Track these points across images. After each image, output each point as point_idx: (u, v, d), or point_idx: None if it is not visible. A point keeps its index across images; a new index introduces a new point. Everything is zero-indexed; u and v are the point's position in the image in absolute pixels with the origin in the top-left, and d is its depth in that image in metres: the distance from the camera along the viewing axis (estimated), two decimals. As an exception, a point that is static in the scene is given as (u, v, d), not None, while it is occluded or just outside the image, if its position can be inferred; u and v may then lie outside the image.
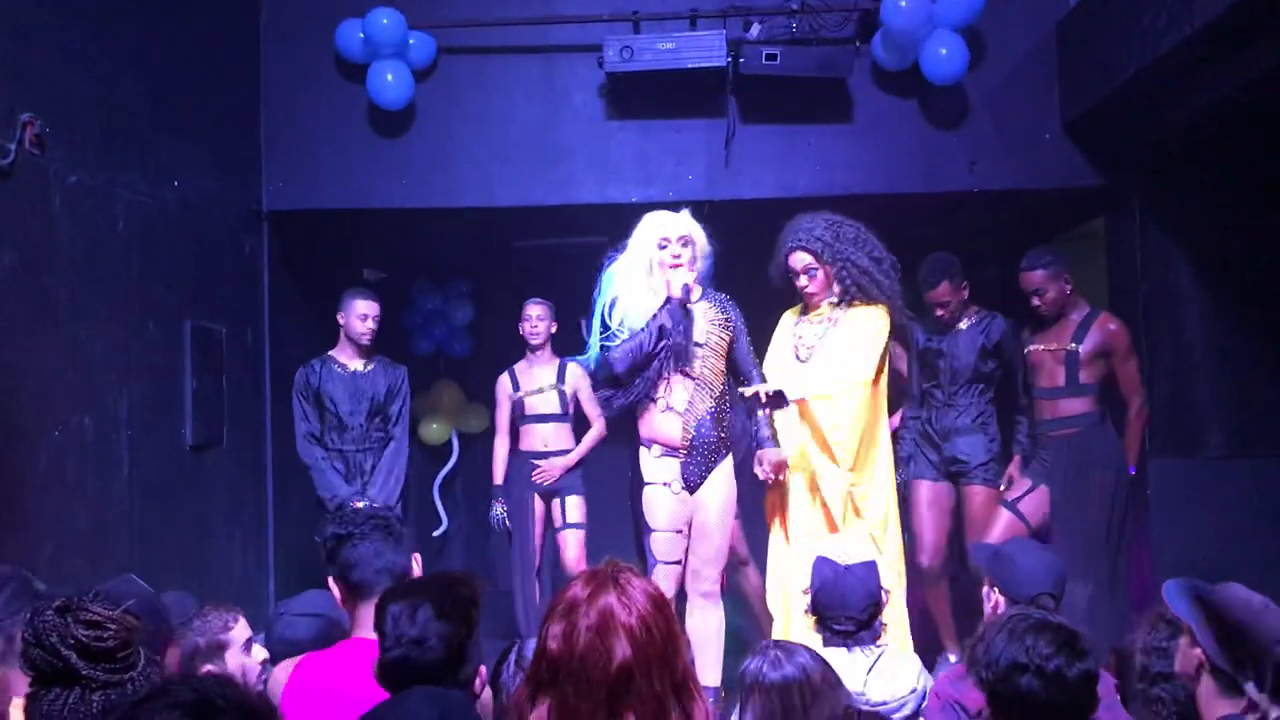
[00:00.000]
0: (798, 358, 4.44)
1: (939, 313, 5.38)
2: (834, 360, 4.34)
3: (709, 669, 4.40)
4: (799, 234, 4.45)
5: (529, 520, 5.91)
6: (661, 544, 4.27)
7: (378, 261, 7.66)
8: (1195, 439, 5.44)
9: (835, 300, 4.45)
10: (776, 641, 2.88)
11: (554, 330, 6.03)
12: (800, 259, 4.43)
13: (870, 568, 3.34)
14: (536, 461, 5.95)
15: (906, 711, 3.11)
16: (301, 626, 3.14)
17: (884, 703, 3.07)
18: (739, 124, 5.76)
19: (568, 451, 6.00)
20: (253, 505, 5.73)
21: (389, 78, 5.60)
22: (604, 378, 4.40)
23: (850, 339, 4.36)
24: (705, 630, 4.40)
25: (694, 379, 4.31)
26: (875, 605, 3.30)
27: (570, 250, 7.20)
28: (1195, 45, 4.37)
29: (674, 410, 4.30)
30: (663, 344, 4.22)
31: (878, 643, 3.29)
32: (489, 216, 6.15)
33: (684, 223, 4.37)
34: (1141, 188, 5.64)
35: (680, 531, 4.31)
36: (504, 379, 6.11)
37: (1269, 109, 4.77)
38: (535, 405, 5.99)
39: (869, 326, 4.37)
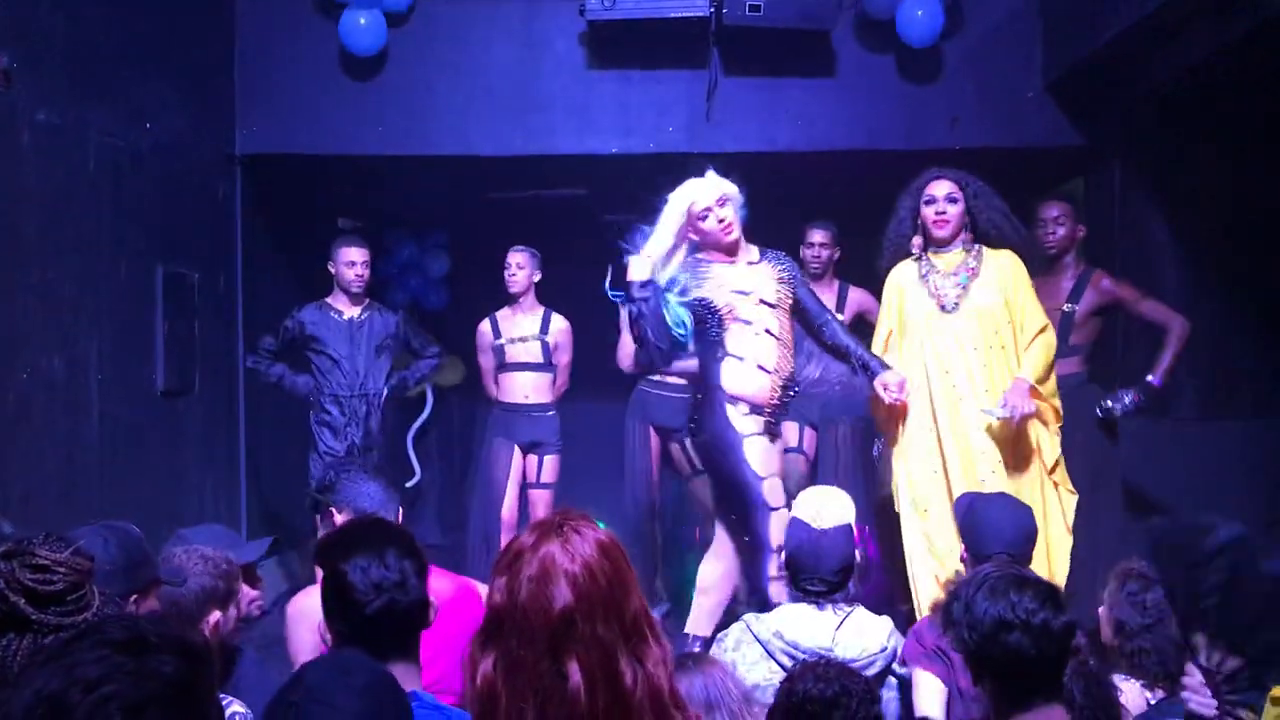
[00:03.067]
0: (943, 308, 4.28)
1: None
2: (984, 313, 4.22)
3: (705, 620, 4.42)
4: (940, 169, 4.36)
5: (500, 470, 5.89)
6: (773, 490, 4.23)
7: (353, 210, 7.59)
8: (1167, 401, 5.47)
9: (965, 247, 4.32)
10: (690, 654, 2.96)
11: (537, 279, 5.95)
12: (942, 186, 4.30)
13: (844, 531, 3.34)
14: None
15: (875, 669, 3.13)
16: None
17: (853, 659, 3.09)
18: (721, 76, 5.71)
19: (548, 405, 5.98)
20: (224, 452, 5.69)
21: (361, 22, 5.50)
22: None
23: (1003, 285, 4.25)
24: (717, 579, 4.45)
25: (777, 339, 4.30)
26: (848, 568, 3.30)
27: (548, 201, 7.17)
28: (1179, 5, 4.35)
29: (765, 370, 4.27)
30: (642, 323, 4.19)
31: (850, 603, 3.31)
32: (466, 165, 6.09)
33: (715, 184, 4.27)
34: (1122, 148, 5.65)
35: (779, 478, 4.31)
36: (484, 325, 6.03)
37: (1250, 71, 4.76)
38: (516, 354, 5.94)
39: (1017, 270, 4.27)
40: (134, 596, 2.30)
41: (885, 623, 3.37)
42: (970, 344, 4.20)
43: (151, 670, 1.22)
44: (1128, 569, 2.85)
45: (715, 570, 4.45)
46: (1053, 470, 4.22)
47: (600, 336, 6.03)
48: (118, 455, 4.55)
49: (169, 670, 1.22)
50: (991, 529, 3.14)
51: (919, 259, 4.39)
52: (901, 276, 4.43)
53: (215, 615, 2.68)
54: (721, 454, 4.24)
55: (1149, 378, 4.89)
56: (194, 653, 1.28)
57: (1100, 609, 2.98)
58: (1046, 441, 4.23)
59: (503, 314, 5.99)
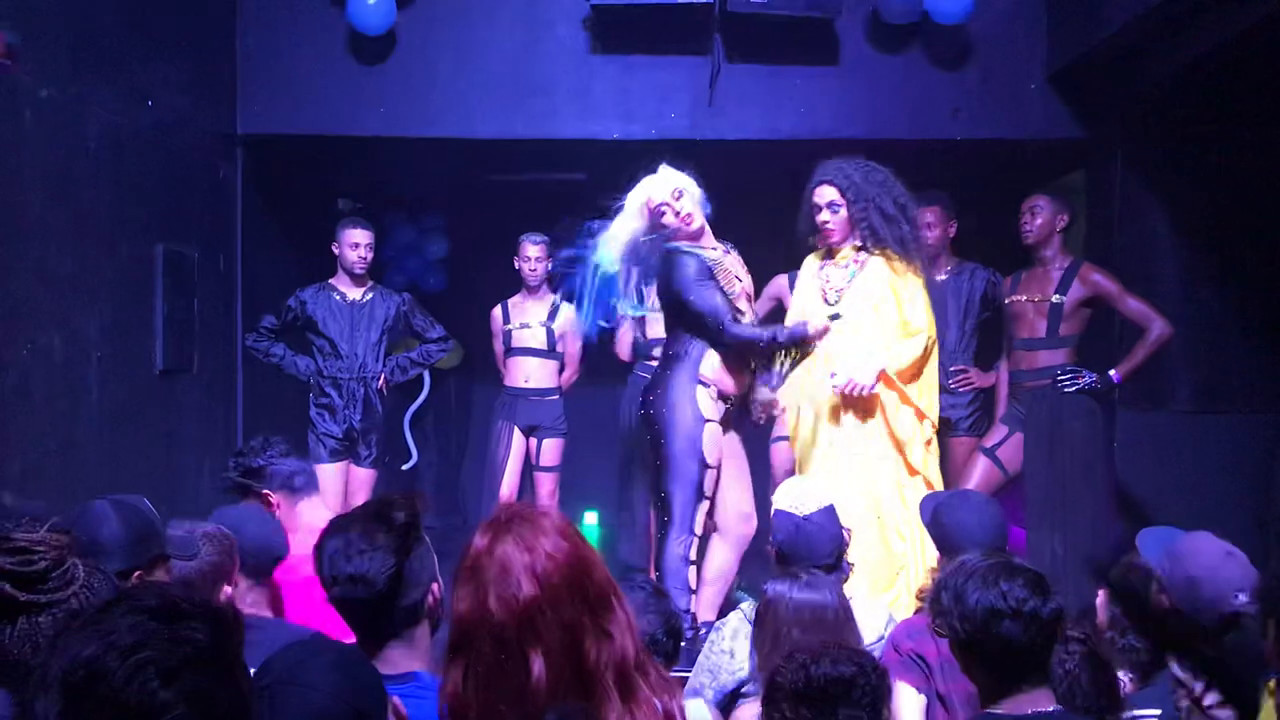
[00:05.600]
0: (826, 301, 4.42)
1: (923, 236, 5.43)
2: (866, 306, 4.31)
3: (709, 606, 4.44)
4: (829, 170, 4.41)
5: (502, 452, 5.92)
6: (712, 480, 4.28)
7: (352, 191, 7.58)
8: (1164, 393, 5.49)
9: (858, 245, 4.41)
10: (805, 570, 3.00)
11: (551, 267, 6.00)
12: (825, 193, 4.39)
13: (829, 512, 3.37)
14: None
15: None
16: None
17: (851, 646, 3.11)
18: (724, 63, 5.69)
19: (550, 390, 5.99)
20: (222, 432, 5.69)
21: (370, 0, 5.48)
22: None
23: (888, 279, 4.33)
24: (727, 567, 4.48)
25: None
26: (840, 548, 3.33)
27: (548, 186, 7.16)
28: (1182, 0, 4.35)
29: (742, 360, 4.34)
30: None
31: (844, 584, 3.33)
32: (467, 148, 6.08)
33: (666, 178, 4.29)
34: (1123, 142, 5.65)
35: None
36: (496, 311, 6.12)
37: (1252, 67, 4.77)
38: (522, 339, 5.99)
39: (897, 268, 4.36)
40: (137, 573, 2.30)
41: (883, 612, 3.40)
42: (847, 336, 4.30)
43: (185, 636, 1.24)
44: (1131, 564, 2.85)
45: (722, 557, 4.47)
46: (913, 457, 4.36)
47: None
48: (116, 433, 4.55)
49: (201, 636, 1.24)
50: (963, 530, 3.12)
51: (821, 252, 4.53)
52: (806, 270, 4.58)
53: (227, 589, 2.72)
54: (675, 432, 4.23)
55: (1112, 371, 4.95)
56: (224, 619, 1.30)
57: (1100, 593, 2.99)
58: (906, 429, 4.33)
59: (514, 300, 6.06)
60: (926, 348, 4.33)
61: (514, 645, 1.66)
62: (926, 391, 4.40)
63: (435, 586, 2.12)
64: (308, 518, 3.60)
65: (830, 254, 4.49)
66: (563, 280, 4.49)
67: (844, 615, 2.82)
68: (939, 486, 4.42)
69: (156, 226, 4.93)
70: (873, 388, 4.23)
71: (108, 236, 4.55)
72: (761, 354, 4.25)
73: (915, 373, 4.34)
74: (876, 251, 4.38)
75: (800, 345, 4.20)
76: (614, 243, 4.30)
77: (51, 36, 4.15)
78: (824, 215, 4.39)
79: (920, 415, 4.37)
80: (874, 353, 4.26)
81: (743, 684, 3.12)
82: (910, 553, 4.24)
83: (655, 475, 4.36)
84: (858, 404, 4.31)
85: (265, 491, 3.54)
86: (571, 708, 1.64)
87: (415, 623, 2.08)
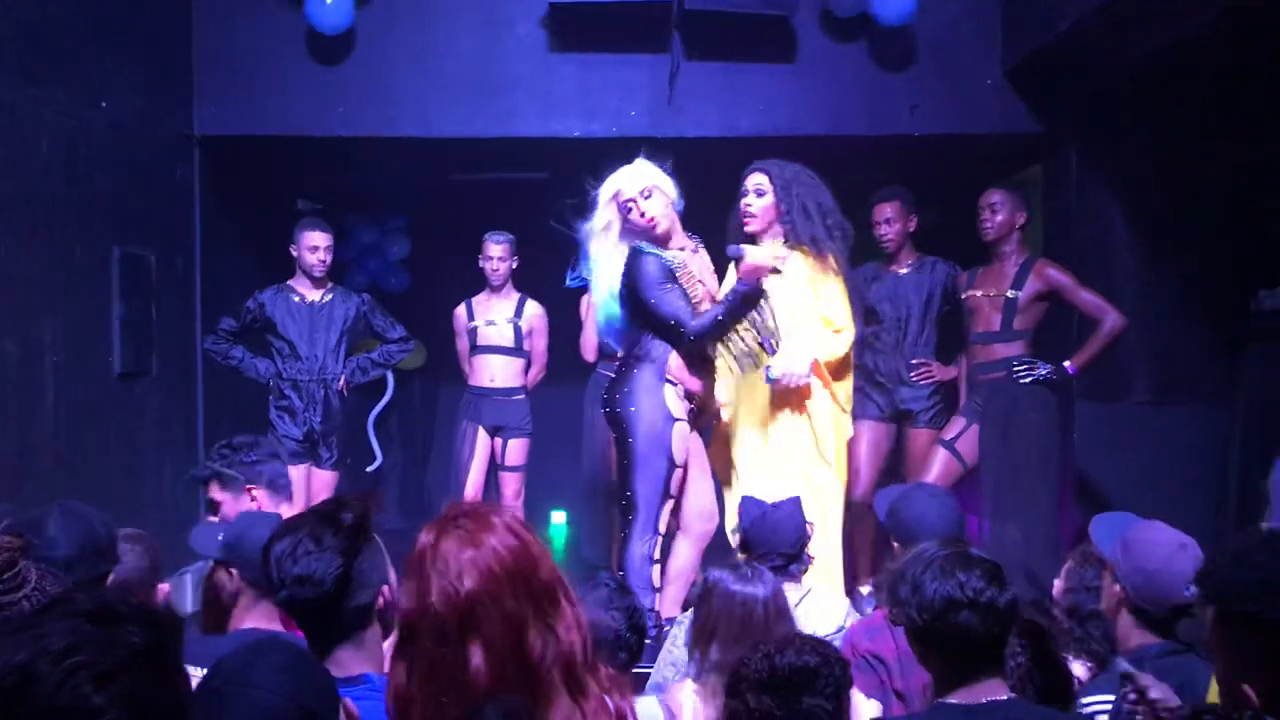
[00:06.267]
0: None
1: (883, 230, 5.47)
2: (786, 299, 4.34)
3: (673, 604, 4.43)
4: (766, 162, 4.45)
5: (466, 452, 5.91)
6: (679, 479, 4.25)
7: (313, 192, 7.53)
8: (1121, 385, 5.56)
9: (781, 240, 4.44)
10: (747, 561, 2.99)
11: (514, 266, 5.98)
12: (754, 179, 4.43)
13: (795, 503, 3.41)
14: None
15: (831, 647, 3.16)
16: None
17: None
18: (683, 60, 5.71)
19: (516, 390, 5.97)
20: (182, 435, 5.66)
21: (328, 1, 5.46)
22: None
23: (803, 279, 4.36)
24: (690, 565, 4.47)
25: None
26: (803, 539, 3.36)
27: (509, 185, 7.15)
28: (1137, -5, 4.41)
29: (706, 359, 4.32)
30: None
31: (804, 575, 3.36)
32: (427, 148, 6.06)
33: (640, 174, 4.22)
34: (1079, 136, 5.71)
35: None
36: (460, 310, 6.07)
37: (1205, 63, 4.83)
38: (488, 336, 5.96)
39: (813, 266, 4.39)
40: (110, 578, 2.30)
41: (843, 603, 3.42)
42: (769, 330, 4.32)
43: (121, 640, 1.22)
44: (1088, 552, 2.88)
45: (684, 555, 4.47)
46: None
47: (563, 319, 6.05)
48: (74, 438, 4.51)
49: (138, 640, 1.22)
50: (922, 523, 3.12)
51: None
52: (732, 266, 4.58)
53: (165, 588, 2.72)
54: (642, 431, 4.18)
55: (1066, 363, 5.02)
56: (161, 623, 1.28)
57: (1055, 583, 3.01)
58: (824, 422, 4.38)
59: (478, 298, 6.03)
60: (847, 343, 4.41)
61: (454, 637, 1.68)
62: (843, 386, 4.47)
63: (386, 589, 2.08)
64: None
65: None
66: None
67: (774, 611, 2.79)
68: (843, 479, 4.49)
69: (113, 229, 4.88)
70: (807, 378, 4.26)
71: (63, 239, 4.51)
72: (726, 329, 4.17)
73: (836, 367, 4.40)
74: (796, 248, 4.40)
75: (756, 290, 4.06)
76: (590, 231, 4.31)
77: (3, 37, 4.11)
78: (749, 198, 4.42)
79: (841, 409, 4.43)
80: (806, 344, 4.30)
81: None
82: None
83: (620, 474, 4.34)
84: (787, 399, 4.34)
85: (249, 486, 3.49)
86: (512, 701, 1.65)
87: (365, 624, 2.05)
